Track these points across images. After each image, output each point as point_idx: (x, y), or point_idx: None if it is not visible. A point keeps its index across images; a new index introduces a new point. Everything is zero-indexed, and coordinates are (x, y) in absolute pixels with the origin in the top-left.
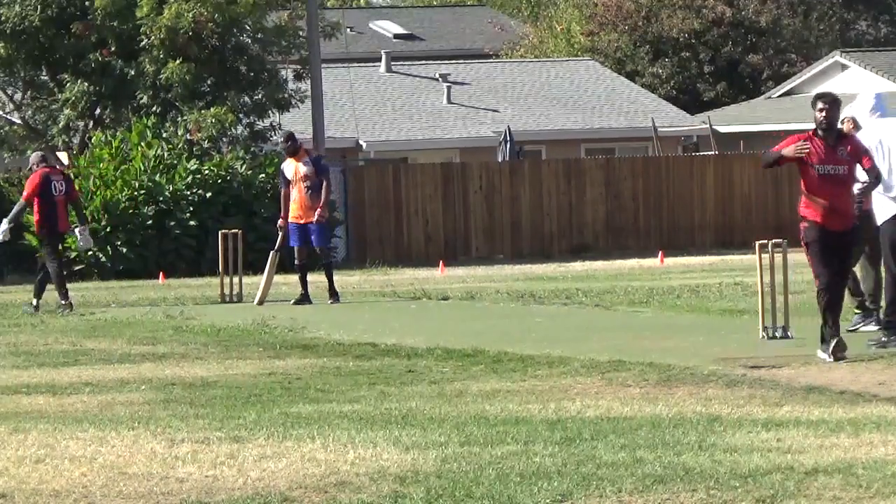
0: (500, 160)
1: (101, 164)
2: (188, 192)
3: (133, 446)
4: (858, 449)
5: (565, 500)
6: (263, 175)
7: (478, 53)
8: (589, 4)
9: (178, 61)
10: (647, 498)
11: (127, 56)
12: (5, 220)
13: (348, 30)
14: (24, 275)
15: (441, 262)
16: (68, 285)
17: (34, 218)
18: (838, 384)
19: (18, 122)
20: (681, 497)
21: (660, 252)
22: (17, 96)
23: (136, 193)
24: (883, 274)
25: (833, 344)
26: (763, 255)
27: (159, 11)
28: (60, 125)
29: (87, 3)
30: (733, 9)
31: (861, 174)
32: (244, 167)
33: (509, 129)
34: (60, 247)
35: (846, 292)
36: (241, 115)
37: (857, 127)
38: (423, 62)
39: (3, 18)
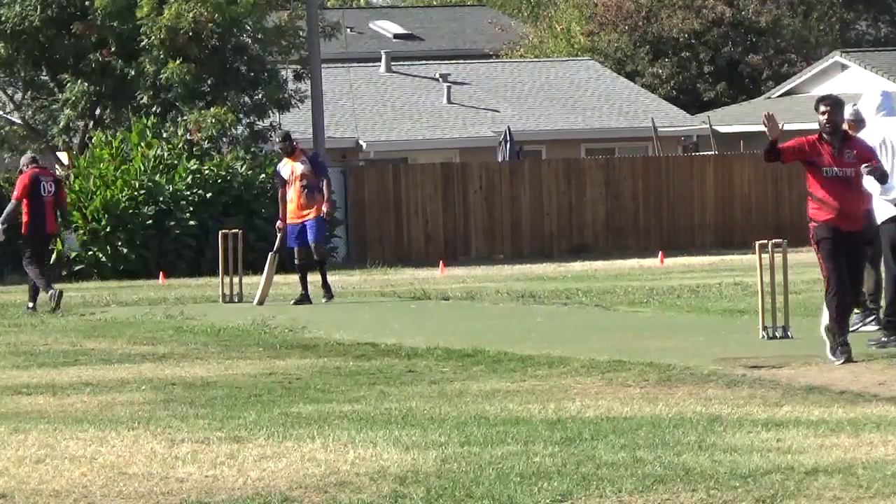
0: (500, 160)
1: (101, 164)
2: (188, 192)
3: (133, 446)
4: (858, 449)
5: (565, 500)
6: (263, 175)
7: (478, 53)
8: (589, 4)
9: (178, 61)
10: (647, 498)
11: (127, 56)
12: None
13: (348, 30)
14: (24, 275)
15: (441, 262)
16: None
17: (23, 219)
18: (838, 384)
19: (18, 122)
20: (681, 497)
21: (660, 252)
22: (17, 96)
23: (136, 193)
24: (883, 274)
25: (844, 359)
26: (763, 255)
27: (159, 11)
28: (60, 125)
29: (87, 3)
30: (733, 9)
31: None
32: (244, 167)
33: (509, 129)
34: (53, 248)
35: None
36: (241, 115)
37: (857, 126)
38: (423, 62)
39: (3, 18)
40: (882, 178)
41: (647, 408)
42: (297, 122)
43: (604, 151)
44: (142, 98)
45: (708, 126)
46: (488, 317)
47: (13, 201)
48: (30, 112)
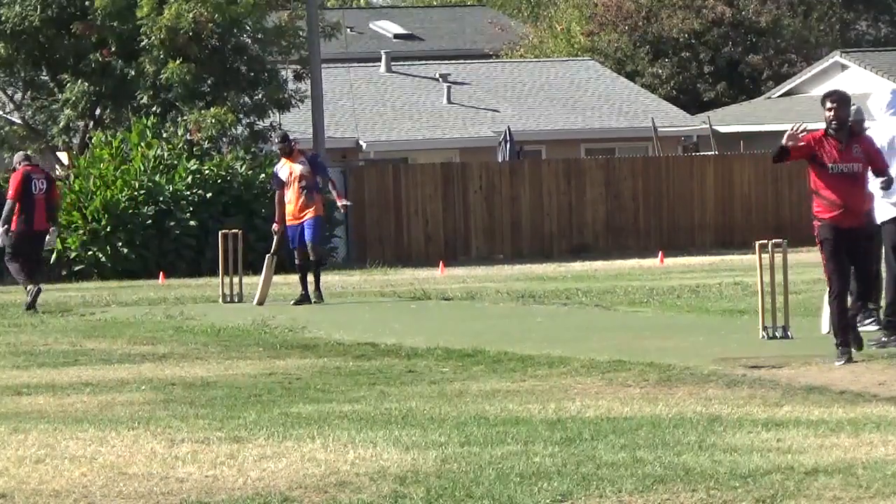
0: (500, 160)
1: (101, 164)
2: (188, 192)
3: (133, 446)
4: (858, 449)
5: (565, 500)
6: (263, 175)
7: (478, 53)
8: (589, 4)
9: (178, 61)
10: (647, 498)
11: (127, 56)
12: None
13: (348, 30)
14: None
15: (441, 262)
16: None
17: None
18: (838, 384)
19: (18, 122)
20: (681, 497)
21: (660, 252)
22: (17, 96)
23: (136, 193)
24: (883, 274)
25: (844, 360)
26: (763, 255)
27: (159, 12)
28: (60, 125)
29: (87, 3)
30: (733, 9)
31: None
32: (244, 167)
33: (509, 129)
34: (53, 249)
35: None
36: (241, 116)
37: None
38: (423, 62)
39: (3, 18)
40: (888, 185)
41: (647, 408)
42: (297, 122)
43: (604, 151)
44: (142, 98)
45: (708, 126)
46: (488, 317)
47: (9, 201)
48: (30, 112)
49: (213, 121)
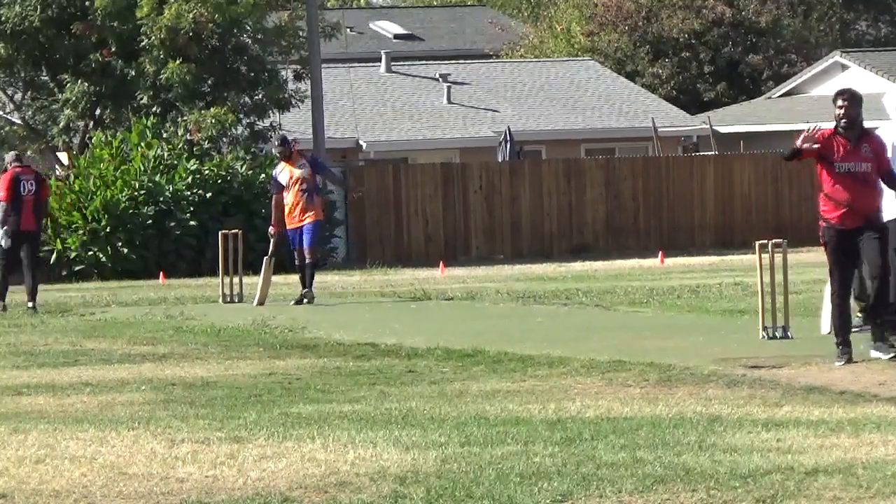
0: (500, 160)
1: (101, 165)
2: (188, 193)
3: (133, 446)
4: (858, 449)
5: (565, 500)
6: (263, 175)
7: (478, 53)
8: (589, 4)
9: (178, 61)
10: (647, 498)
11: (127, 56)
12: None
13: (348, 30)
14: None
15: (441, 262)
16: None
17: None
18: (838, 384)
19: (18, 122)
20: (681, 497)
21: (660, 252)
22: (17, 96)
23: (136, 193)
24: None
25: (845, 360)
26: (763, 255)
27: (159, 12)
28: (60, 125)
29: (87, 3)
30: (733, 9)
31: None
32: (244, 167)
33: (509, 129)
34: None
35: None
36: (241, 116)
37: None
38: (423, 62)
39: (3, 19)
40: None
41: (647, 408)
42: (297, 122)
43: (604, 151)
44: (142, 98)
45: (708, 126)
46: (488, 317)
47: (1, 203)
48: (30, 112)
49: (213, 121)
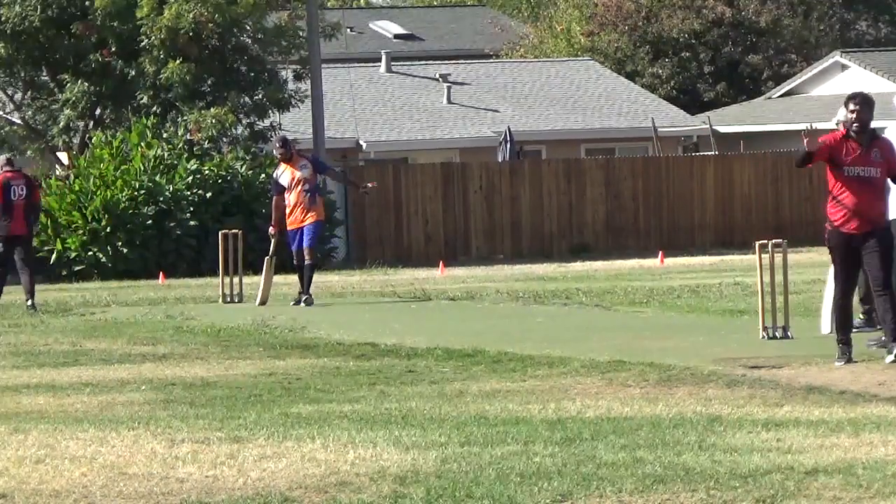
0: (500, 160)
1: (101, 165)
2: (188, 193)
3: (133, 446)
4: (858, 449)
5: (565, 500)
6: (263, 175)
7: (478, 53)
8: (589, 4)
9: (178, 61)
10: (647, 498)
11: (127, 56)
12: None
13: (348, 30)
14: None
15: (441, 262)
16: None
17: None
18: (838, 384)
19: (18, 122)
20: (681, 497)
21: (660, 252)
22: (18, 96)
23: (136, 193)
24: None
25: (845, 360)
26: (763, 255)
27: (160, 12)
28: (60, 125)
29: (87, 3)
30: (733, 9)
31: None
32: (244, 167)
33: (509, 129)
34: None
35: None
36: (241, 116)
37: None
38: (423, 62)
39: (3, 18)
40: None
41: (647, 408)
42: (297, 122)
43: (604, 151)
44: (142, 98)
45: (708, 126)
46: (488, 317)
47: None
48: (30, 112)
49: (213, 121)
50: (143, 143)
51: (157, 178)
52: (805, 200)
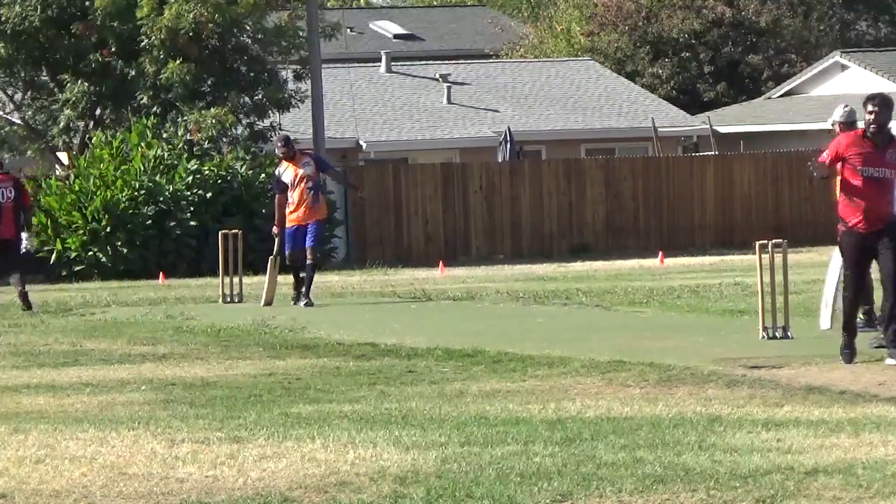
0: (500, 160)
1: (101, 165)
2: (188, 193)
3: (133, 446)
4: (858, 449)
5: (565, 500)
6: (263, 175)
7: (478, 54)
8: (589, 4)
9: (178, 62)
10: (647, 498)
11: (127, 56)
12: None
13: (348, 30)
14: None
15: (441, 262)
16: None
17: None
18: (838, 384)
19: (18, 122)
20: (681, 497)
21: (660, 252)
22: (18, 96)
23: (136, 194)
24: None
25: (849, 356)
26: (763, 255)
27: (160, 12)
28: (60, 125)
29: (87, 3)
30: (733, 9)
31: None
32: (244, 167)
33: (509, 129)
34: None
35: None
36: (241, 116)
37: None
38: (423, 62)
39: (3, 19)
40: None
41: (647, 408)
42: (297, 122)
43: (604, 151)
44: (142, 98)
45: (708, 126)
46: (488, 317)
47: None
48: (30, 112)
49: (214, 121)
50: (143, 144)
51: (157, 178)
52: (805, 200)
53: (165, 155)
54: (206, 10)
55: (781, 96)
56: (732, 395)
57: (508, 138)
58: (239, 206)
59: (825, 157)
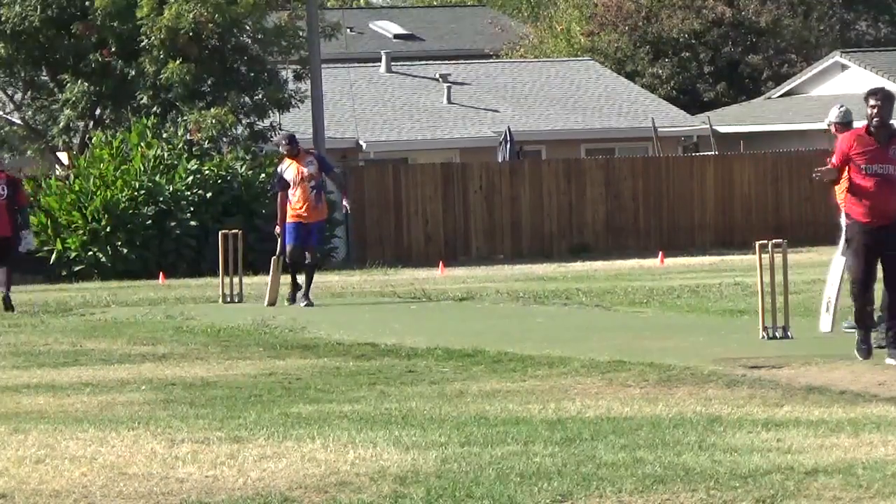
0: (500, 160)
1: (101, 164)
2: (188, 193)
3: (133, 446)
4: (858, 449)
5: (565, 500)
6: (263, 175)
7: (478, 53)
8: (589, 4)
9: (178, 61)
10: (647, 498)
11: (127, 56)
12: None
13: (348, 30)
14: (23, 275)
15: (441, 262)
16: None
17: None
18: (838, 384)
19: (18, 122)
20: (681, 497)
21: (660, 252)
22: (18, 96)
23: (136, 194)
24: None
25: (864, 356)
26: (763, 255)
27: (160, 12)
28: (60, 125)
29: (87, 3)
30: (733, 9)
31: None
32: (244, 167)
33: (509, 129)
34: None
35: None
36: (241, 116)
37: (843, 129)
38: (423, 62)
39: (3, 19)
40: None
41: (647, 408)
42: (297, 122)
43: (604, 151)
44: (142, 98)
45: (708, 126)
46: (488, 317)
47: None
48: (30, 112)
49: (213, 121)
50: (143, 143)
51: (157, 178)
52: (805, 200)
53: (165, 155)
54: (206, 10)
55: (781, 96)
56: (732, 395)
57: (508, 138)
58: (239, 206)
59: (834, 161)
